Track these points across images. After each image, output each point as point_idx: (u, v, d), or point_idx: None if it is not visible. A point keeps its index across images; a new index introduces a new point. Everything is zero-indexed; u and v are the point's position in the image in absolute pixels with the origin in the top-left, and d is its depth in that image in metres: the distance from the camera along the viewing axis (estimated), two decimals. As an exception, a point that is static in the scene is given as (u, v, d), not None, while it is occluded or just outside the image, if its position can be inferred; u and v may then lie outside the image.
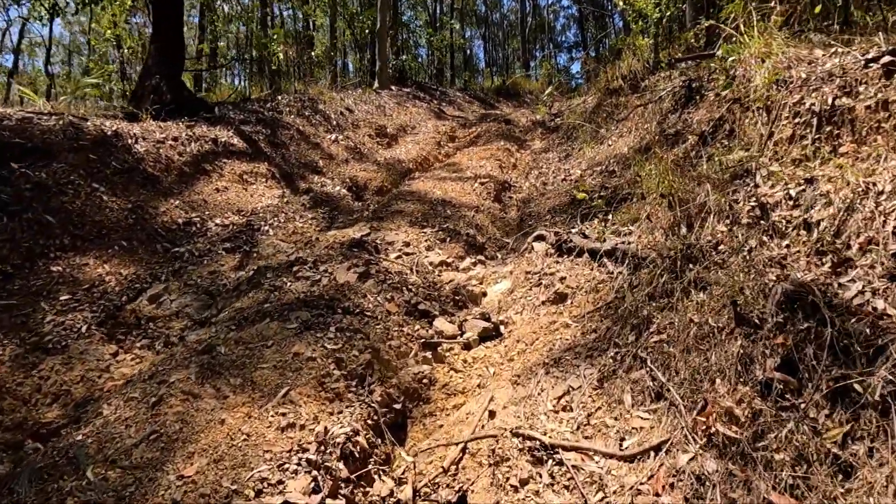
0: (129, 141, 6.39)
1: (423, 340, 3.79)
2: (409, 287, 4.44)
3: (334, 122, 11.01)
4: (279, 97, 10.94)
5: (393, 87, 15.89)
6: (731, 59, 5.63)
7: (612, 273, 3.90)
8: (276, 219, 6.27)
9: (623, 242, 4.08)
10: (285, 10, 22.64)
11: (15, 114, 5.93)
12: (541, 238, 5.17)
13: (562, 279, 4.20)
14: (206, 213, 6.16)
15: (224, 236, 5.66)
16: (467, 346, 3.88)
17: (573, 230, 5.06)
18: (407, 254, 5.17)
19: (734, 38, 6.12)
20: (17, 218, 4.60)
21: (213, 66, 12.99)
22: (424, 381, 3.48)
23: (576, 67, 41.12)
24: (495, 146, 11.28)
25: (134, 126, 7.06)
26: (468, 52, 33.70)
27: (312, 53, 13.31)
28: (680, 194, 4.19)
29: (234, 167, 7.38)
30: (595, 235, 4.63)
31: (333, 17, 18.71)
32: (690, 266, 3.13)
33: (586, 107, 12.04)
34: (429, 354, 3.69)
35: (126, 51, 12.46)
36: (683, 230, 3.98)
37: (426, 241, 5.56)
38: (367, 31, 16.95)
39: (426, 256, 5.18)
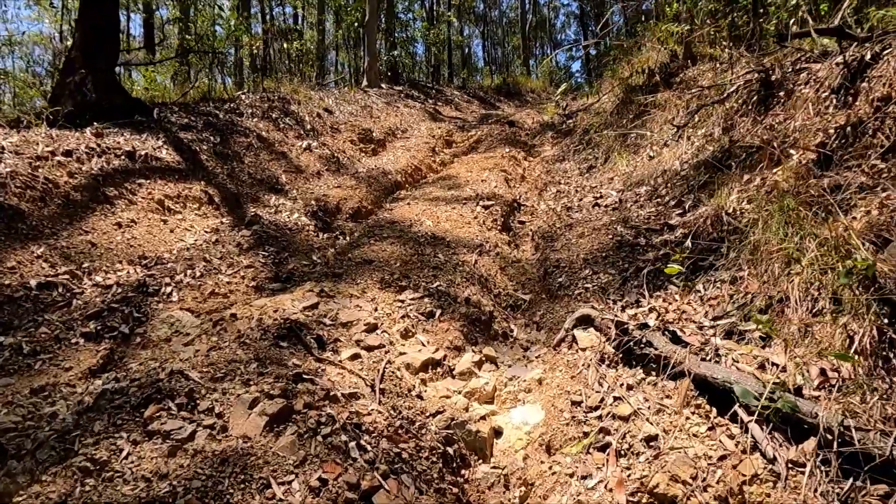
0: (-18, 159, 4.26)
1: None
2: (363, 440, 2.31)
3: (308, 126, 8.85)
4: (242, 97, 8.78)
5: (383, 86, 13.72)
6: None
7: (775, 463, 1.78)
8: (190, 271, 4.14)
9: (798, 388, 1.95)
10: (275, 8, 20.42)
11: None
12: (586, 321, 3.04)
13: (648, 441, 2.09)
14: (87, 265, 4.03)
15: (95, 308, 3.53)
16: None
17: (644, 311, 2.93)
18: (370, 348, 3.04)
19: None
20: None
21: (158, 60, 10.80)
22: None
23: (576, 66, 38.97)
24: (499, 153, 9.15)
25: (10, 136, 4.93)
26: (466, 50, 31.44)
27: (287, 46, 11.09)
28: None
29: (153, 190, 5.24)
30: (698, 338, 2.50)
31: (321, 9, 16.51)
32: None
33: (603, 106, 9.88)
34: None
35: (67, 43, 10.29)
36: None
37: (403, 317, 3.43)
38: (355, 23, 14.75)
39: (401, 353, 3.06)
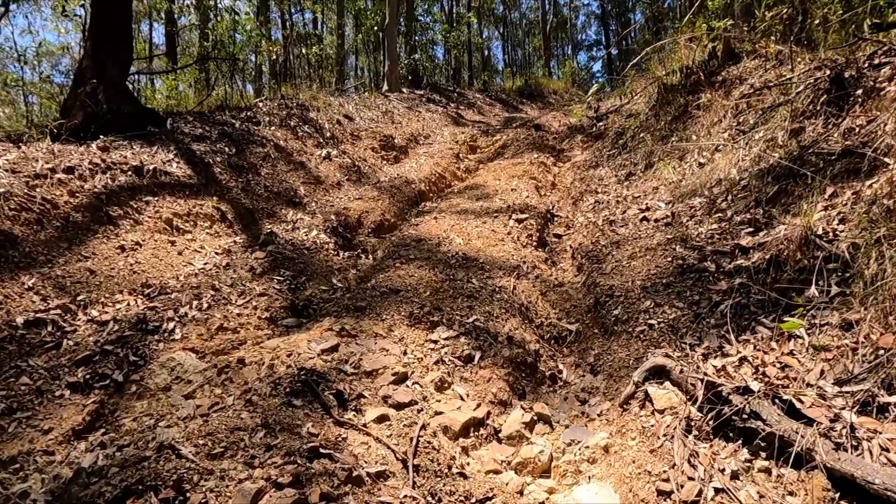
0: (-28, 179, 3.86)
1: None
2: (395, 547, 1.80)
3: (328, 134, 8.40)
4: (259, 104, 8.37)
5: (404, 90, 13.25)
6: None
7: None
8: (197, 301, 3.68)
9: None
10: (294, 14, 20.12)
11: None
12: (660, 373, 2.48)
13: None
14: (83, 296, 3.59)
15: (87, 352, 3.08)
16: None
17: (733, 362, 2.36)
18: (399, 405, 2.53)
19: None
20: None
21: (176, 68, 10.46)
22: None
23: (596, 66, 38.21)
24: (527, 159, 8.58)
25: (8, 152, 4.54)
26: (486, 52, 30.88)
27: (306, 51, 10.66)
28: None
29: (161, 208, 4.81)
30: (824, 412, 1.93)
31: (341, 13, 16.12)
32: None
33: (637, 107, 9.26)
34: None
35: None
36: None
37: (437, 362, 2.91)
38: (375, 27, 14.30)
39: (436, 412, 2.53)
